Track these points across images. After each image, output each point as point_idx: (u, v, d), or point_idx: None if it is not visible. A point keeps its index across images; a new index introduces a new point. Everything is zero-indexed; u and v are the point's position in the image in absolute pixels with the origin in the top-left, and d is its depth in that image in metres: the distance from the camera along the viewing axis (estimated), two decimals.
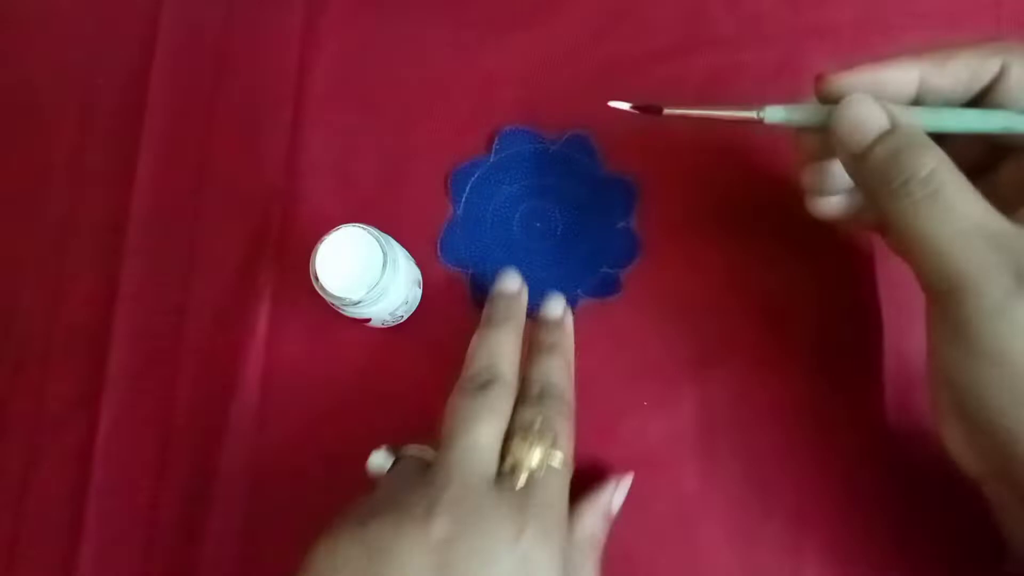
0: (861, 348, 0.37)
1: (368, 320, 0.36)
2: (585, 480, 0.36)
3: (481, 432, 0.30)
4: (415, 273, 0.38)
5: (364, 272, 0.33)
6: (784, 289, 0.38)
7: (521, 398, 0.32)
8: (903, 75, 0.28)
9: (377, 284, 0.33)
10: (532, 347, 0.35)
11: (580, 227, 0.39)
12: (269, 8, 0.43)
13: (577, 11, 0.41)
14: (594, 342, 0.38)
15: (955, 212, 0.25)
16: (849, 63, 0.28)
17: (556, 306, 0.37)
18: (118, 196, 0.41)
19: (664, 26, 0.41)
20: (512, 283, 0.37)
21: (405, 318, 0.38)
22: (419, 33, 0.42)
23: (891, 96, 0.28)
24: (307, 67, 0.42)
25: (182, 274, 0.40)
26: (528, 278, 0.38)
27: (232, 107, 0.42)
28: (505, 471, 0.29)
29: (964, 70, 0.27)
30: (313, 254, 0.33)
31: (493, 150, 0.40)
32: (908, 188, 0.26)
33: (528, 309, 0.36)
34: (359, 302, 0.33)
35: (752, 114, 0.30)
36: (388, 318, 0.37)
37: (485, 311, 0.35)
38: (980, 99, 0.28)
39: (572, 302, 0.38)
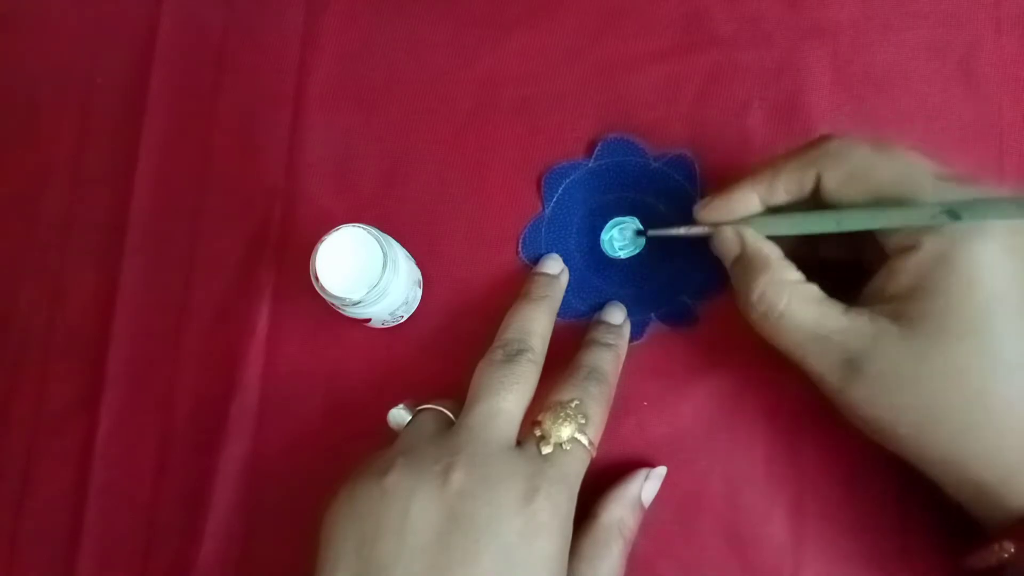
0: None
1: (368, 320, 0.36)
2: (590, 476, 0.36)
3: (505, 398, 0.31)
4: (415, 273, 0.38)
5: (364, 272, 0.33)
6: None
7: (566, 379, 0.33)
8: (746, 199, 0.33)
9: (377, 284, 0.33)
10: (587, 342, 0.36)
11: (667, 251, 0.38)
12: (269, 8, 0.43)
13: (577, 11, 0.41)
14: (660, 367, 0.38)
15: (784, 324, 0.31)
16: (717, 188, 0.34)
17: (618, 313, 0.37)
18: (118, 196, 0.41)
19: (664, 26, 0.41)
20: (554, 265, 0.38)
21: (405, 318, 0.38)
22: (419, 33, 0.42)
23: (741, 213, 0.33)
24: (307, 67, 0.42)
25: (182, 274, 0.40)
26: (604, 292, 0.38)
27: (232, 107, 0.42)
28: (531, 438, 0.31)
29: (790, 184, 0.32)
30: (313, 254, 0.33)
31: (594, 156, 0.39)
32: (749, 306, 0.32)
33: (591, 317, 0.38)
34: (359, 302, 0.33)
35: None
36: (388, 318, 0.37)
37: (524, 287, 0.37)
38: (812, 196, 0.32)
39: (643, 325, 0.38)
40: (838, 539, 0.36)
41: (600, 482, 0.36)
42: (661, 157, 0.39)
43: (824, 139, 0.31)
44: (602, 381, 0.33)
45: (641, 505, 0.35)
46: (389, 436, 0.33)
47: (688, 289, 0.38)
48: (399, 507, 0.28)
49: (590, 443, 0.31)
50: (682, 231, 0.36)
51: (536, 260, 0.39)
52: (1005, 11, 0.39)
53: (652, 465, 0.37)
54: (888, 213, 0.30)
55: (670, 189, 0.39)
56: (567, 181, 0.39)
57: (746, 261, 0.32)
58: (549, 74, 0.41)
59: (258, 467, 0.38)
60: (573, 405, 0.31)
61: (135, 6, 0.43)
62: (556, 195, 0.39)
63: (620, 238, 0.39)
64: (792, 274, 0.31)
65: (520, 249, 0.39)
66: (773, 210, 0.33)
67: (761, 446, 0.37)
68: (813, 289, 0.31)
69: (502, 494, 0.28)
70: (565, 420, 0.31)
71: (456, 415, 0.32)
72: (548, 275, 0.37)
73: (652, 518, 0.37)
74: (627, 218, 0.39)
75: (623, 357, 0.36)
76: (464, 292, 0.39)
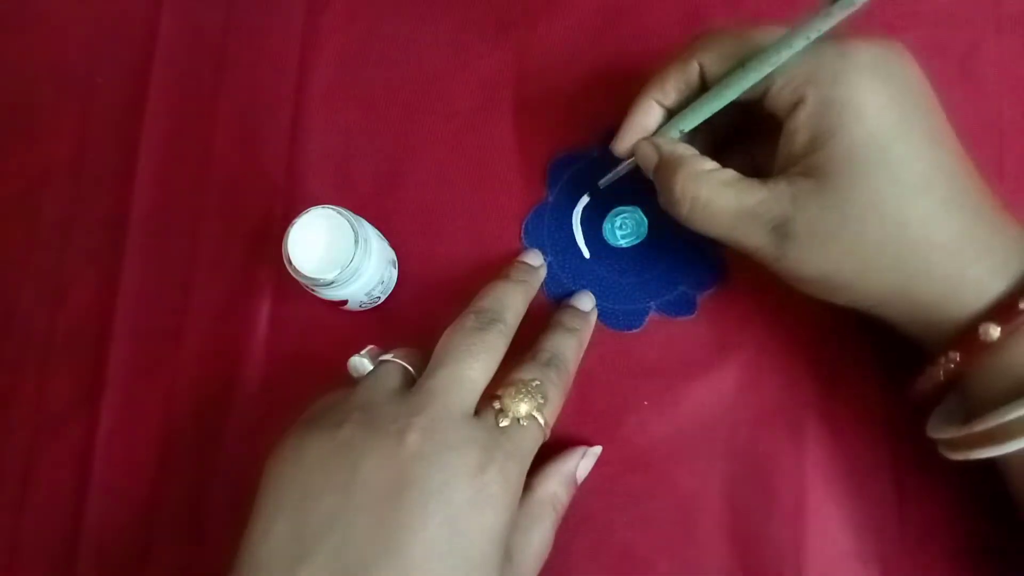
0: (861, 347, 0.37)
1: (344, 303, 0.36)
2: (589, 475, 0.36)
3: (472, 366, 0.31)
4: (389, 253, 0.38)
5: (337, 252, 0.33)
6: (784, 288, 0.38)
7: (528, 360, 0.34)
8: (649, 110, 0.34)
9: (350, 263, 0.33)
10: (553, 325, 0.36)
11: (668, 241, 0.38)
12: (269, 8, 0.43)
13: (577, 11, 0.41)
14: (660, 366, 0.38)
15: (710, 212, 0.32)
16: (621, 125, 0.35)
17: (587, 300, 0.38)
18: (118, 196, 0.41)
19: (664, 26, 0.41)
20: (536, 258, 0.39)
21: (382, 299, 0.38)
22: (419, 33, 0.42)
23: (650, 125, 0.34)
24: (307, 67, 0.42)
25: (182, 274, 0.40)
26: (604, 280, 0.39)
27: (232, 107, 0.42)
28: (489, 410, 0.31)
29: (679, 83, 0.33)
30: (285, 236, 0.33)
31: (600, 144, 0.39)
32: (675, 206, 0.33)
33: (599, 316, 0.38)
34: (332, 282, 0.33)
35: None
36: (364, 299, 0.37)
37: (504, 271, 0.37)
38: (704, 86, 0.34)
39: (643, 314, 0.38)
40: (839, 538, 0.36)
41: (601, 477, 0.36)
42: None
43: (697, 34, 0.33)
44: (562, 368, 0.34)
45: (575, 480, 0.35)
46: (346, 383, 0.33)
47: (688, 280, 0.38)
48: (349, 462, 0.28)
49: (545, 423, 0.31)
50: (621, 168, 0.36)
51: (539, 248, 0.39)
52: (1005, 11, 0.39)
53: (652, 465, 0.37)
54: (764, 58, 0.30)
55: None
56: (572, 169, 0.40)
57: (663, 164, 0.33)
58: (549, 74, 0.41)
59: (258, 467, 0.38)
60: (533, 384, 0.32)
61: (135, 6, 0.43)
62: (560, 182, 0.39)
63: (622, 227, 0.39)
64: (707, 164, 0.32)
65: (523, 236, 0.39)
66: (672, 116, 0.34)
67: (761, 445, 0.37)
68: (729, 173, 0.32)
69: (456, 461, 0.28)
70: (525, 397, 0.31)
71: (418, 370, 0.32)
72: (529, 264, 0.38)
73: (653, 518, 0.37)
74: (629, 207, 0.39)
75: (585, 344, 0.37)
76: (466, 291, 0.39)
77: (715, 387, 0.38)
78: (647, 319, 0.38)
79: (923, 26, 0.39)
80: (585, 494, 0.36)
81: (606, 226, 0.39)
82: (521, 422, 0.30)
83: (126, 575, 0.38)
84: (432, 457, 0.28)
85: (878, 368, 0.37)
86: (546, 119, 0.40)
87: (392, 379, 0.32)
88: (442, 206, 0.40)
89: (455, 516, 0.27)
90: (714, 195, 0.31)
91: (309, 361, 0.39)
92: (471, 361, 0.31)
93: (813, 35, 0.29)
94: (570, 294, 0.38)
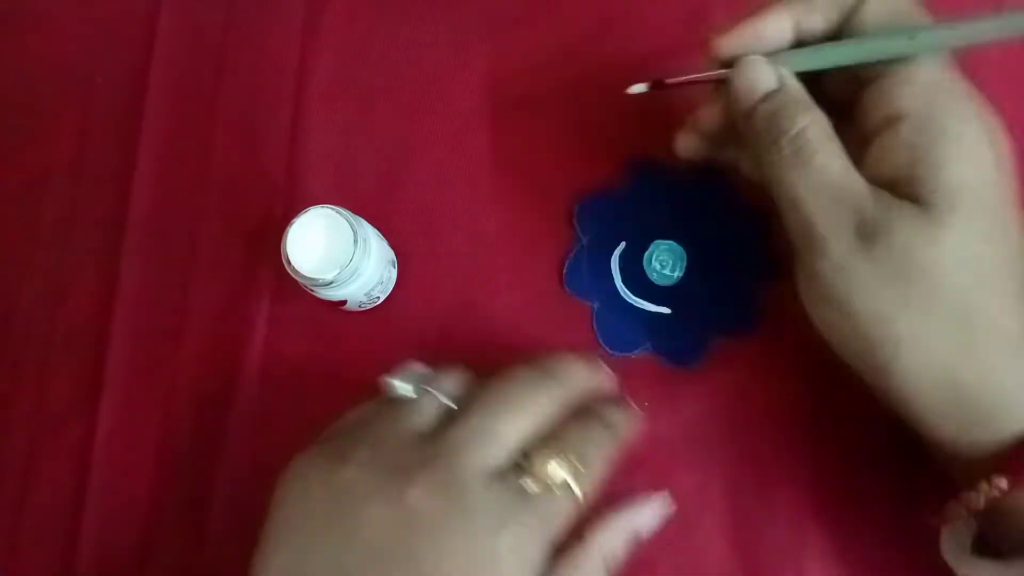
0: None
1: (344, 303, 0.36)
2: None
3: (506, 420, 0.28)
4: (388, 253, 0.38)
5: (336, 252, 0.33)
6: (786, 287, 0.38)
7: (578, 420, 0.30)
8: (779, 24, 0.29)
9: (349, 263, 0.33)
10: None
11: (703, 276, 0.37)
12: (269, 8, 0.43)
13: (577, 11, 0.41)
14: (661, 368, 0.38)
15: (813, 168, 0.27)
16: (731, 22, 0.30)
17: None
18: (118, 196, 0.41)
19: (664, 26, 0.41)
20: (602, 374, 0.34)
21: (382, 299, 0.38)
22: (419, 33, 0.42)
23: (771, 43, 0.29)
24: (307, 67, 0.42)
25: (182, 274, 0.40)
26: (653, 319, 0.38)
27: (232, 107, 0.42)
28: (517, 471, 0.27)
29: (830, 5, 0.28)
30: (284, 236, 0.33)
31: (625, 181, 0.39)
32: (779, 144, 0.28)
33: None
34: (331, 282, 0.33)
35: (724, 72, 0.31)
36: (364, 299, 0.37)
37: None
38: (842, 30, 0.29)
39: (705, 345, 0.37)
40: (841, 539, 0.36)
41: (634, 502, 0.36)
42: (693, 173, 0.38)
43: None
44: (612, 436, 0.30)
45: (638, 539, 0.33)
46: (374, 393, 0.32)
47: (721, 329, 0.38)
48: (352, 512, 0.27)
49: (584, 495, 0.28)
50: (701, 76, 0.32)
51: (584, 294, 0.38)
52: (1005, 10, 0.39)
53: (652, 466, 0.37)
54: (938, 35, 0.27)
55: (707, 207, 0.38)
56: (602, 209, 0.39)
57: (783, 98, 0.28)
58: (549, 74, 0.41)
59: (258, 467, 0.38)
60: (576, 451, 0.28)
61: (135, 6, 0.43)
62: (595, 227, 0.39)
63: (662, 263, 0.38)
64: (828, 121, 0.28)
65: (566, 284, 0.38)
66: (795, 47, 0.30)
67: (763, 446, 0.37)
68: (840, 145, 0.28)
69: (459, 528, 0.26)
70: (562, 462, 0.27)
71: (463, 400, 0.29)
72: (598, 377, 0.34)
73: None
74: (665, 242, 0.38)
75: (633, 435, 0.34)
76: (465, 291, 0.39)
77: (717, 387, 0.37)
78: (707, 351, 0.37)
79: None
80: None
81: (647, 264, 0.38)
82: (554, 491, 0.27)
83: (126, 575, 0.38)
84: (432, 519, 0.26)
85: None
86: (547, 118, 0.40)
87: (422, 417, 0.29)
88: (442, 206, 0.40)
89: None
90: (828, 155, 0.27)
91: (309, 361, 0.39)
92: (506, 415, 0.28)
93: (994, 36, 0.28)
94: (623, 339, 0.38)
